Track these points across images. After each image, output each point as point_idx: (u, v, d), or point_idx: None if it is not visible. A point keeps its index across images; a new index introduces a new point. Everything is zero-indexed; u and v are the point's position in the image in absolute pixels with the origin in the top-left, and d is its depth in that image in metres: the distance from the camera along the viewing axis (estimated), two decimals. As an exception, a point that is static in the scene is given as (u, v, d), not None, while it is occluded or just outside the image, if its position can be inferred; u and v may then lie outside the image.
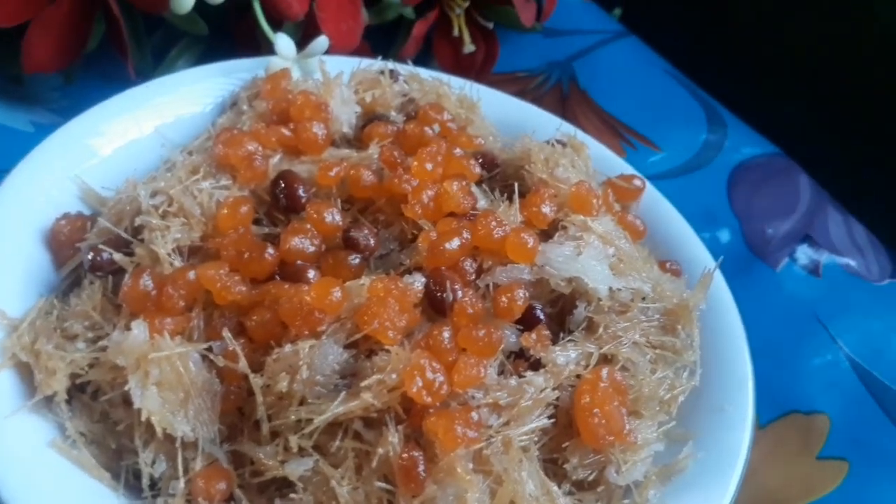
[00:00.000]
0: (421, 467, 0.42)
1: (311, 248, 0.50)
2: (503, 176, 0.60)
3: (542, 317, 0.50)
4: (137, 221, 0.51)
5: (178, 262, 0.50)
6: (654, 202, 0.63)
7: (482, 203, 0.56)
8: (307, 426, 0.43)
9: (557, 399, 0.47)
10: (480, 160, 0.58)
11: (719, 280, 0.58)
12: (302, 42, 0.66)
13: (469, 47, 0.79)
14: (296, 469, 0.43)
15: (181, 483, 0.44)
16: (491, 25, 0.81)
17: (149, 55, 0.74)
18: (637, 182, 0.62)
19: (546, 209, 0.54)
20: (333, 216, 0.52)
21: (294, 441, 0.43)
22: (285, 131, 0.57)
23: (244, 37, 0.75)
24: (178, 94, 0.62)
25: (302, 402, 0.44)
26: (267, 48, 0.66)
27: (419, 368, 0.44)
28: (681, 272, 0.59)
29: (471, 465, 0.43)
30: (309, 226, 0.51)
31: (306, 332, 0.45)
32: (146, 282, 0.47)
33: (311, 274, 0.49)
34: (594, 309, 0.51)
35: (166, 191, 0.52)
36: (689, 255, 0.60)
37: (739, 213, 0.74)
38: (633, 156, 0.78)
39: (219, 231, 0.51)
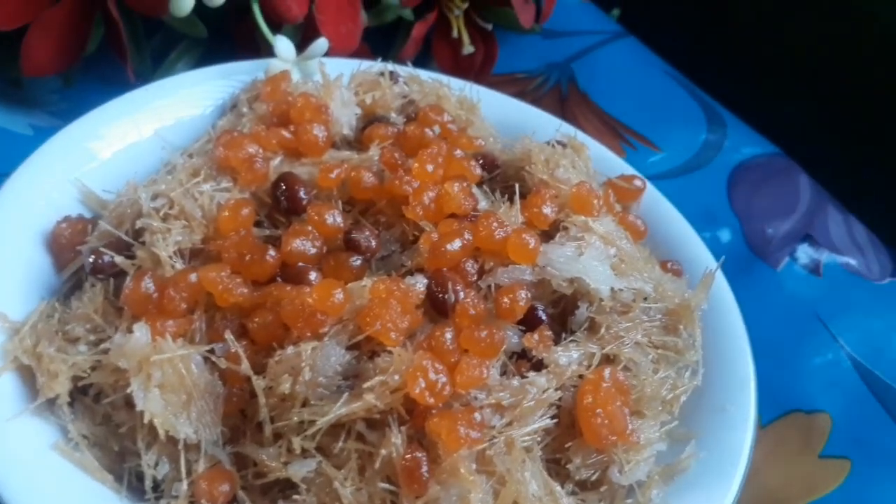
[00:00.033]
0: (424, 468, 0.42)
1: (313, 250, 0.50)
2: (503, 177, 0.60)
3: (544, 317, 0.50)
4: (138, 224, 0.51)
5: (179, 265, 0.50)
6: (655, 202, 0.63)
7: (483, 204, 0.56)
8: (310, 427, 0.43)
9: (560, 399, 0.47)
10: (481, 161, 0.58)
11: (721, 280, 0.58)
12: (301, 44, 0.66)
13: (468, 48, 0.79)
14: (299, 470, 0.43)
15: (184, 485, 0.44)
16: (490, 27, 0.81)
17: (148, 58, 0.74)
18: (637, 182, 0.62)
19: (547, 210, 0.54)
20: (335, 218, 0.52)
21: (297, 442, 0.43)
22: (286, 133, 0.57)
23: (244, 39, 0.75)
24: (177, 96, 0.62)
25: (304, 404, 0.44)
26: (266, 50, 0.66)
27: (422, 369, 0.44)
28: (682, 272, 0.59)
29: (474, 466, 0.43)
30: (310, 228, 0.51)
31: (308, 334, 0.45)
32: (148, 284, 0.47)
33: (313, 276, 0.49)
34: (596, 309, 0.51)
35: (167, 193, 0.52)
36: (690, 255, 0.61)
37: (739, 213, 0.74)
38: (632, 156, 0.78)
39: (220, 233, 0.51)
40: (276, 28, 0.68)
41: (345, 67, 0.65)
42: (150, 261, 0.50)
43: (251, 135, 0.56)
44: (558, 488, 0.46)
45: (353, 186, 0.54)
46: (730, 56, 0.92)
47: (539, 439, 0.46)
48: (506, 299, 0.49)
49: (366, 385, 0.43)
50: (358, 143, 0.61)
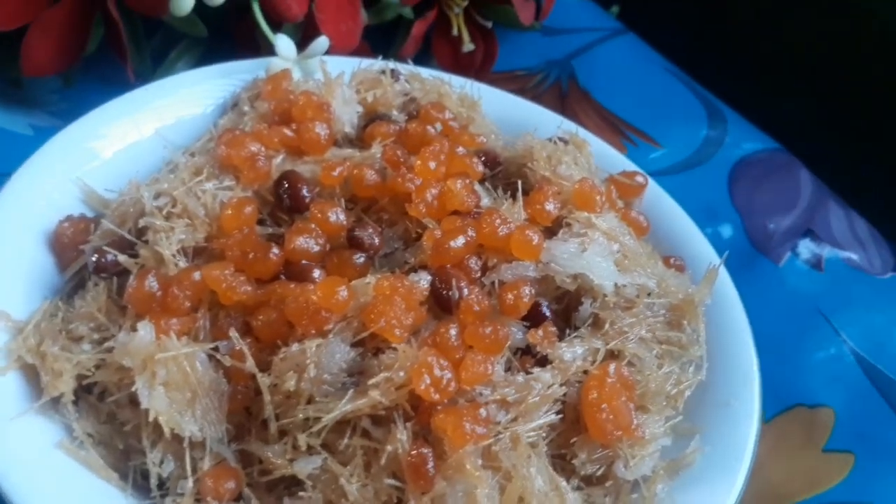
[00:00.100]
0: (430, 464, 0.42)
1: (316, 248, 0.50)
2: (505, 174, 0.60)
3: (548, 313, 0.50)
4: (141, 223, 0.51)
5: (182, 263, 0.50)
6: (657, 198, 0.64)
7: (485, 201, 0.56)
8: (315, 424, 0.43)
9: (565, 395, 0.47)
10: (483, 158, 0.58)
11: (723, 275, 0.58)
12: (301, 43, 0.66)
13: (468, 46, 0.79)
14: (304, 467, 0.43)
15: (190, 482, 0.44)
16: (490, 24, 0.81)
17: (148, 58, 0.74)
18: (639, 178, 0.63)
19: (550, 206, 0.54)
20: (337, 215, 0.52)
21: (302, 439, 0.43)
22: (287, 132, 0.57)
23: (244, 38, 0.75)
24: (178, 95, 0.62)
25: (310, 401, 0.44)
26: (266, 49, 0.66)
27: (427, 366, 0.44)
28: (685, 268, 0.59)
29: (480, 462, 0.43)
30: (313, 225, 0.51)
31: (313, 331, 0.45)
32: (151, 283, 0.47)
33: (317, 273, 0.49)
34: (600, 305, 0.51)
35: (170, 192, 0.52)
36: (693, 251, 0.61)
37: (741, 209, 0.74)
38: (633, 152, 0.78)
39: (223, 232, 0.51)
40: (276, 27, 0.68)
41: (346, 66, 0.65)
42: (153, 259, 0.50)
43: (253, 133, 0.56)
44: (564, 483, 0.45)
45: (355, 184, 0.54)
46: (729, 53, 0.92)
47: (544, 435, 0.46)
48: (510, 296, 0.49)
49: (371, 382, 0.43)
50: (360, 141, 0.61)
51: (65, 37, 0.68)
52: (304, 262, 0.49)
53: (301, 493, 0.44)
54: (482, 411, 0.44)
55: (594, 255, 0.51)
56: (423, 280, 0.48)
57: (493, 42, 0.82)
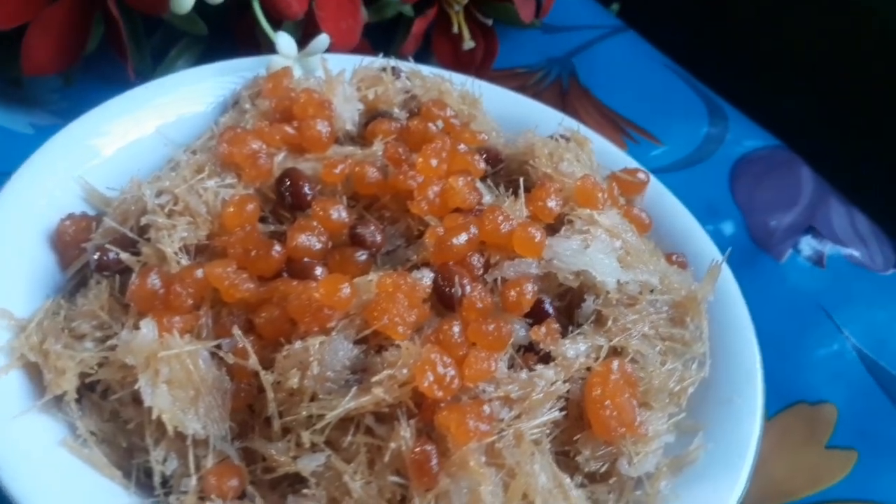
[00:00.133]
0: (434, 461, 0.42)
1: (318, 245, 0.50)
2: (507, 171, 0.60)
3: (550, 310, 0.50)
4: (143, 221, 0.51)
5: (184, 261, 0.49)
6: (659, 195, 0.64)
7: (487, 199, 0.56)
8: (319, 422, 0.43)
9: (568, 392, 0.47)
10: (484, 156, 0.58)
11: (726, 272, 0.58)
12: (301, 41, 0.66)
13: (468, 44, 0.79)
14: (308, 465, 0.43)
15: (193, 480, 0.44)
16: (490, 22, 0.81)
17: (148, 56, 0.74)
18: (641, 175, 0.62)
19: (552, 203, 0.54)
20: (339, 213, 0.51)
21: (306, 437, 0.43)
22: (289, 129, 0.57)
23: (244, 36, 0.75)
24: (178, 93, 0.62)
25: (313, 398, 0.44)
26: (267, 47, 0.66)
27: (430, 363, 0.43)
28: (687, 265, 0.59)
29: (483, 459, 0.43)
30: (315, 223, 0.51)
31: (316, 329, 0.45)
32: (154, 281, 0.47)
33: (319, 271, 0.48)
34: (602, 302, 0.51)
35: (171, 190, 0.52)
36: (695, 248, 0.61)
37: (742, 206, 0.74)
38: (634, 150, 0.78)
39: (225, 229, 0.51)
40: (277, 25, 0.68)
41: (346, 63, 0.65)
42: (155, 257, 0.49)
43: (254, 131, 0.56)
44: (567, 480, 0.45)
45: (357, 182, 0.54)
46: (729, 51, 0.92)
47: (548, 432, 0.46)
48: (512, 293, 0.49)
49: (374, 379, 0.43)
50: (361, 138, 0.61)
51: (65, 36, 0.68)
52: (306, 259, 0.49)
53: (305, 491, 0.43)
54: (485, 408, 0.44)
55: (597, 252, 0.51)
56: (426, 277, 0.48)
57: (493, 40, 0.82)
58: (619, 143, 0.77)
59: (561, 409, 0.47)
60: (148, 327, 0.45)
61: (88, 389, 0.47)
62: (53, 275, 0.52)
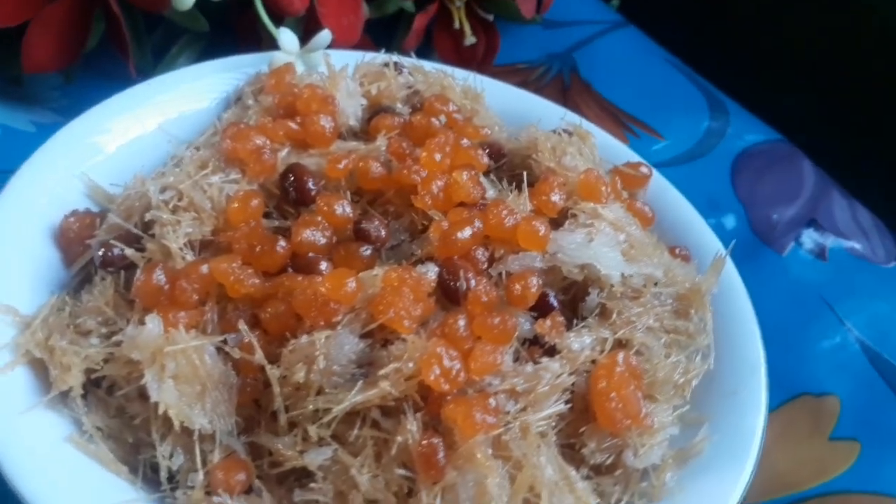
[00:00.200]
0: (441, 454, 0.42)
1: (323, 241, 0.50)
2: (510, 166, 0.60)
3: (555, 303, 0.50)
4: (147, 217, 0.51)
5: (189, 257, 0.49)
6: (661, 189, 0.64)
7: (491, 193, 0.56)
8: (325, 416, 0.43)
9: (573, 384, 0.47)
10: (487, 150, 0.58)
11: (729, 265, 0.58)
12: (302, 38, 0.66)
13: (470, 39, 0.79)
14: (315, 458, 0.43)
15: (200, 475, 0.44)
16: (491, 17, 0.81)
17: (149, 53, 0.74)
18: (644, 169, 0.63)
19: (555, 197, 0.54)
20: (344, 208, 0.51)
21: (312, 431, 0.43)
22: (292, 125, 0.57)
23: (245, 33, 0.75)
24: (180, 90, 0.62)
25: (319, 392, 0.44)
26: (268, 43, 0.66)
27: (436, 356, 0.43)
28: (690, 258, 0.59)
29: (490, 452, 0.43)
30: (320, 218, 0.51)
31: (322, 323, 0.45)
32: (159, 276, 0.47)
33: (324, 266, 0.49)
34: (607, 295, 0.51)
35: (176, 186, 0.51)
36: (698, 241, 0.61)
37: (744, 200, 0.75)
38: (636, 144, 0.78)
39: (230, 225, 0.51)
40: (278, 21, 0.68)
41: (349, 59, 0.65)
42: (160, 253, 0.49)
43: (258, 127, 0.56)
44: (573, 473, 0.45)
45: (361, 177, 0.54)
46: (729, 48, 0.92)
47: (553, 424, 0.46)
48: (517, 286, 0.49)
49: (380, 372, 0.43)
50: (364, 133, 0.61)
51: (65, 33, 0.68)
52: (311, 254, 0.49)
53: (312, 485, 0.44)
54: (492, 401, 0.44)
55: (601, 246, 0.51)
56: (431, 271, 0.48)
57: (494, 35, 0.82)
58: (620, 137, 0.77)
59: (566, 402, 0.47)
60: (153, 323, 0.45)
61: (94, 385, 0.47)
62: (58, 271, 0.52)
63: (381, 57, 0.66)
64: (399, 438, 0.43)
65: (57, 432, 0.45)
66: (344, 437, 0.44)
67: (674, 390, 0.51)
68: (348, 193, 0.54)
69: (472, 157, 0.56)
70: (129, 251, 0.50)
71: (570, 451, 0.47)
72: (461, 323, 0.46)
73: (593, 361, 0.48)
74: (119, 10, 0.67)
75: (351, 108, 0.60)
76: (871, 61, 0.86)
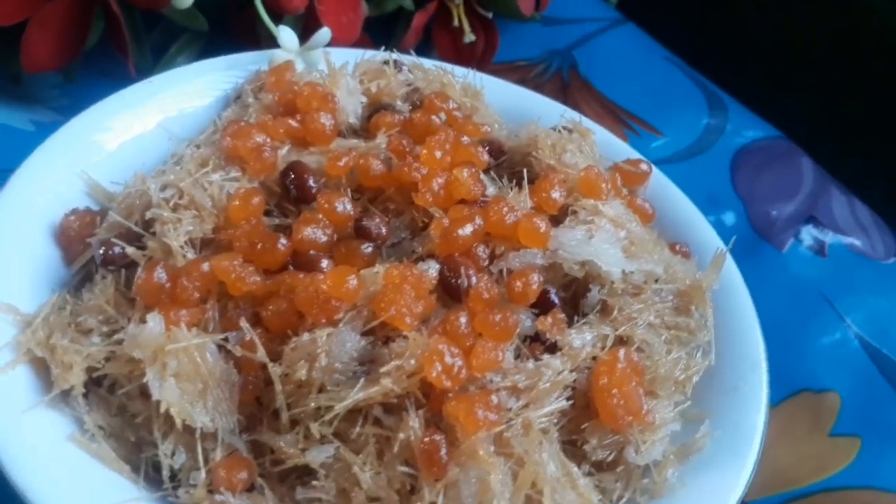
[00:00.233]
0: (443, 451, 0.42)
1: (324, 238, 0.50)
2: (510, 163, 0.60)
3: (556, 300, 0.50)
4: (148, 215, 0.51)
5: (190, 255, 0.49)
6: (661, 186, 0.64)
7: (491, 190, 0.56)
8: (327, 413, 0.43)
9: (575, 381, 0.47)
10: (487, 148, 0.58)
11: (729, 261, 0.58)
12: (301, 36, 0.66)
13: (469, 37, 0.79)
14: (317, 456, 0.43)
15: (202, 473, 0.44)
16: (490, 15, 0.81)
17: (148, 52, 0.74)
18: (643, 166, 0.63)
19: (556, 194, 0.54)
20: (345, 206, 0.51)
21: (314, 428, 0.43)
22: (293, 123, 0.57)
23: (243, 31, 0.75)
24: (180, 88, 0.62)
25: (321, 390, 0.44)
26: (267, 42, 0.66)
27: (438, 353, 0.44)
28: (690, 254, 0.59)
29: (492, 448, 0.43)
30: (320, 216, 0.51)
31: (323, 321, 0.45)
32: (160, 274, 0.47)
33: (325, 263, 0.49)
34: (608, 291, 0.51)
35: (176, 184, 0.51)
36: (698, 238, 0.61)
37: (743, 196, 0.75)
38: (635, 141, 0.78)
39: (231, 223, 0.50)
40: (277, 19, 0.68)
41: (348, 57, 0.65)
42: (161, 251, 0.49)
43: (258, 124, 0.56)
44: (575, 469, 0.46)
45: (361, 174, 0.54)
46: (729, 48, 0.92)
47: (555, 421, 0.46)
48: (518, 283, 0.49)
49: (382, 370, 0.43)
50: (364, 131, 0.61)
51: (64, 32, 0.68)
52: (312, 252, 0.49)
53: (314, 483, 0.44)
54: (493, 398, 0.44)
55: (601, 242, 0.51)
56: (432, 269, 0.48)
57: (493, 33, 0.82)
58: (619, 134, 0.77)
59: (568, 399, 0.47)
60: (155, 321, 0.45)
61: (95, 384, 0.47)
62: (58, 270, 0.52)
63: (380, 55, 0.66)
64: (401, 436, 0.43)
65: (58, 431, 0.45)
66: (346, 434, 0.44)
67: (675, 387, 0.51)
68: (349, 191, 0.53)
69: (473, 154, 0.56)
70: (129, 249, 0.50)
71: (572, 447, 0.47)
72: (462, 320, 0.46)
73: (594, 358, 0.48)
74: (118, 8, 0.67)
75: (351, 106, 0.60)
76: (871, 61, 0.86)
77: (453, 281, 0.48)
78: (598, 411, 0.47)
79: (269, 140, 0.55)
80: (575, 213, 0.53)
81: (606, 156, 0.63)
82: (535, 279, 0.49)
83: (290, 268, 0.49)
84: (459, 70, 0.67)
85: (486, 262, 0.50)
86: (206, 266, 0.47)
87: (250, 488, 0.44)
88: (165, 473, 0.45)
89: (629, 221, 0.54)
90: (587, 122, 0.65)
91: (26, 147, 0.55)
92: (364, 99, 0.62)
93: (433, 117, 0.58)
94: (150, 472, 0.46)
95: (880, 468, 0.57)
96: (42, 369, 0.47)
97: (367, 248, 0.50)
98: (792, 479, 0.58)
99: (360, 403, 0.44)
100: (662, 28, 0.90)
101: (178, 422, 0.44)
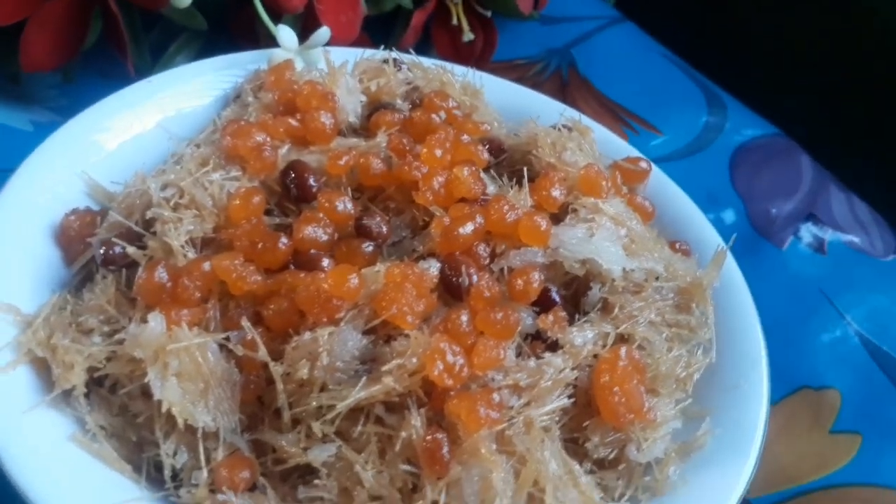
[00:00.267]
0: (445, 449, 0.42)
1: (325, 237, 0.50)
2: (510, 162, 0.60)
3: (557, 298, 0.50)
4: (149, 214, 0.51)
5: (191, 254, 0.49)
6: (661, 184, 0.64)
7: (491, 189, 0.56)
8: (329, 412, 0.43)
9: (576, 379, 0.47)
10: (487, 146, 0.58)
11: (729, 259, 0.58)
12: (301, 35, 0.65)
13: (468, 36, 0.79)
14: (319, 455, 0.43)
15: (204, 473, 0.44)
16: (489, 14, 0.81)
17: (147, 52, 0.74)
18: (643, 164, 0.63)
19: (556, 193, 0.54)
20: (345, 205, 0.51)
21: (316, 427, 0.43)
22: (293, 122, 0.56)
23: (242, 30, 0.75)
24: (179, 88, 0.62)
25: (323, 389, 0.44)
26: (266, 41, 0.66)
27: (439, 352, 0.44)
28: (690, 252, 0.59)
29: (494, 446, 0.43)
30: (321, 215, 0.51)
31: (324, 320, 0.45)
32: (161, 274, 0.47)
33: (326, 262, 0.48)
34: (609, 289, 0.51)
35: (177, 183, 0.51)
36: (698, 236, 0.61)
37: (743, 194, 0.75)
38: (634, 140, 0.78)
39: (231, 222, 0.50)
40: (276, 18, 0.68)
41: (348, 55, 0.65)
42: (161, 251, 0.49)
43: (258, 123, 0.56)
44: (577, 467, 0.46)
45: (362, 173, 0.54)
46: (730, 49, 0.92)
47: (557, 419, 0.46)
48: (519, 281, 0.49)
49: (384, 368, 0.43)
50: (364, 130, 0.61)
51: (63, 31, 0.68)
52: (312, 251, 0.49)
53: (316, 482, 0.44)
54: (495, 396, 0.44)
55: (602, 240, 0.51)
56: (433, 267, 0.48)
57: (492, 31, 0.82)
58: (619, 133, 0.77)
59: (569, 397, 0.47)
60: (156, 320, 0.45)
61: (97, 384, 0.47)
62: (58, 270, 0.52)
63: (380, 53, 0.66)
64: (403, 434, 0.43)
65: (60, 431, 0.45)
66: (348, 433, 0.44)
67: (676, 384, 0.51)
68: (349, 190, 0.53)
69: (473, 152, 0.56)
70: (130, 249, 0.49)
71: (574, 445, 0.47)
72: (464, 318, 0.46)
73: (596, 356, 0.48)
74: (117, 8, 0.67)
75: (351, 105, 0.60)
76: (871, 63, 0.86)
77: (454, 279, 0.48)
78: (599, 409, 0.47)
79: (269, 139, 0.55)
80: (575, 211, 0.54)
81: (606, 154, 0.63)
82: (536, 277, 0.49)
83: (291, 267, 0.49)
84: (459, 69, 0.67)
85: (487, 261, 0.50)
86: (207, 265, 0.47)
87: (252, 488, 0.44)
88: (167, 473, 0.45)
89: (629, 219, 0.54)
90: (586, 121, 0.65)
91: (25, 147, 0.55)
92: (364, 98, 0.61)
93: (433, 116, 0.58)
94: (151, 472, 0.46)
95: (881, 465, 0.57)
96: (43, 369, 0.46)
97: (368, 246, 0.50)
98: (793, 477, 0.58)
99: (361, 402, 0.44)
100: (662, 31, 0.91)
101: (179, 421, 0.44)
